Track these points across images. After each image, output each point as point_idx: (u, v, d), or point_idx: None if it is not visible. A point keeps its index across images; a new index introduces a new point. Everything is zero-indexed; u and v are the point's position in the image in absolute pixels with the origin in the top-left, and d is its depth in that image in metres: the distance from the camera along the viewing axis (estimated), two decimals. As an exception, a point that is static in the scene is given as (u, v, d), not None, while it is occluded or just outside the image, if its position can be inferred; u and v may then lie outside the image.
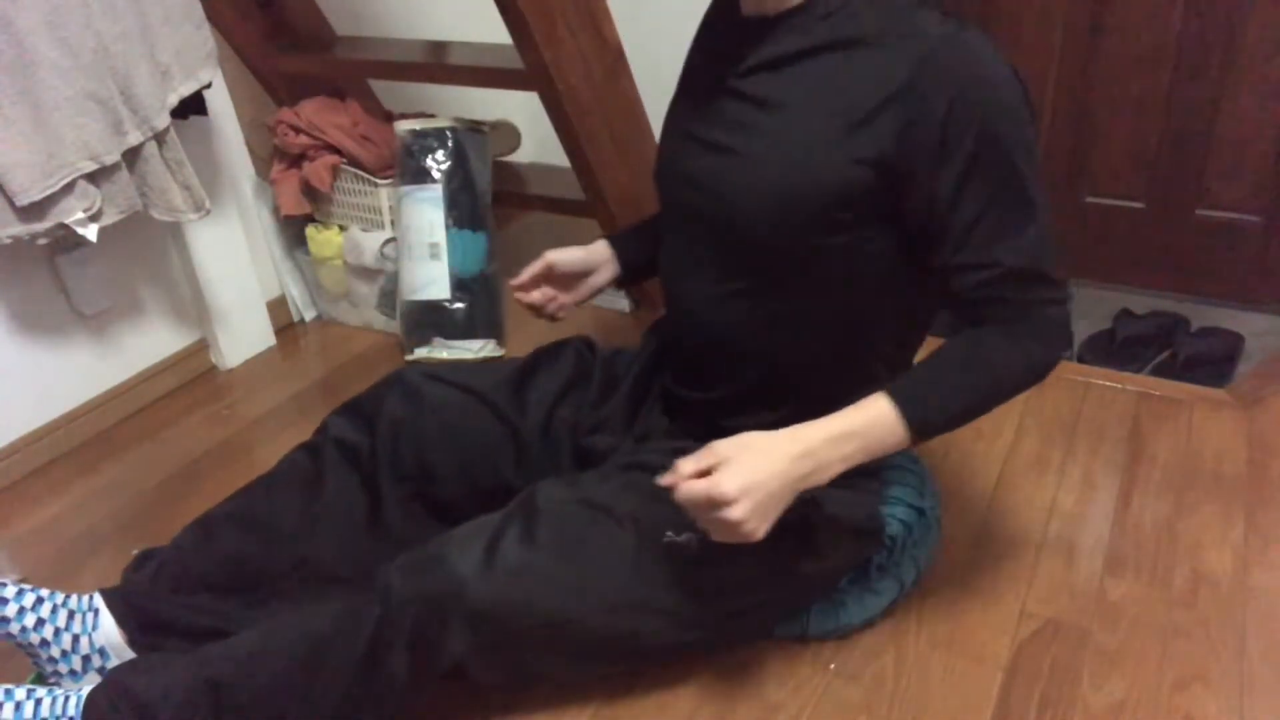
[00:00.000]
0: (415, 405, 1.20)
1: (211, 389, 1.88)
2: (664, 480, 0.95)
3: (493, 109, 2.27)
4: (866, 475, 1.19)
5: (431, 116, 1.90)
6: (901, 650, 1.20)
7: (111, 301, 1.74)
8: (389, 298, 1.96)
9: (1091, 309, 2.07)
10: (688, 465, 0.94)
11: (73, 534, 1.49)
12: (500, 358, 1.89)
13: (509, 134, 2.30)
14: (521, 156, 2.35)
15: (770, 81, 1.02)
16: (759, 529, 0.93)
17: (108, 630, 1.11)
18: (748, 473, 0.92)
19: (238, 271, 1.91)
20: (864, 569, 1.22)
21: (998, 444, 1.57)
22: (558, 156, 1.85)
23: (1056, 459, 1.53)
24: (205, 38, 1.63)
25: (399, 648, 0.98)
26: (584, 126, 1.67)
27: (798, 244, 1.04)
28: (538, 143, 2.34)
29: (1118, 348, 1.91)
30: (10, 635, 1.08)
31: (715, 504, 0.91)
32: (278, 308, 2.06)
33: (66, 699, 0.98)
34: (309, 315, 2.13)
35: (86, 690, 0.98)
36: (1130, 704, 1.11)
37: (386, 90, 2.17)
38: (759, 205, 1.03)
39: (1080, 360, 1.90)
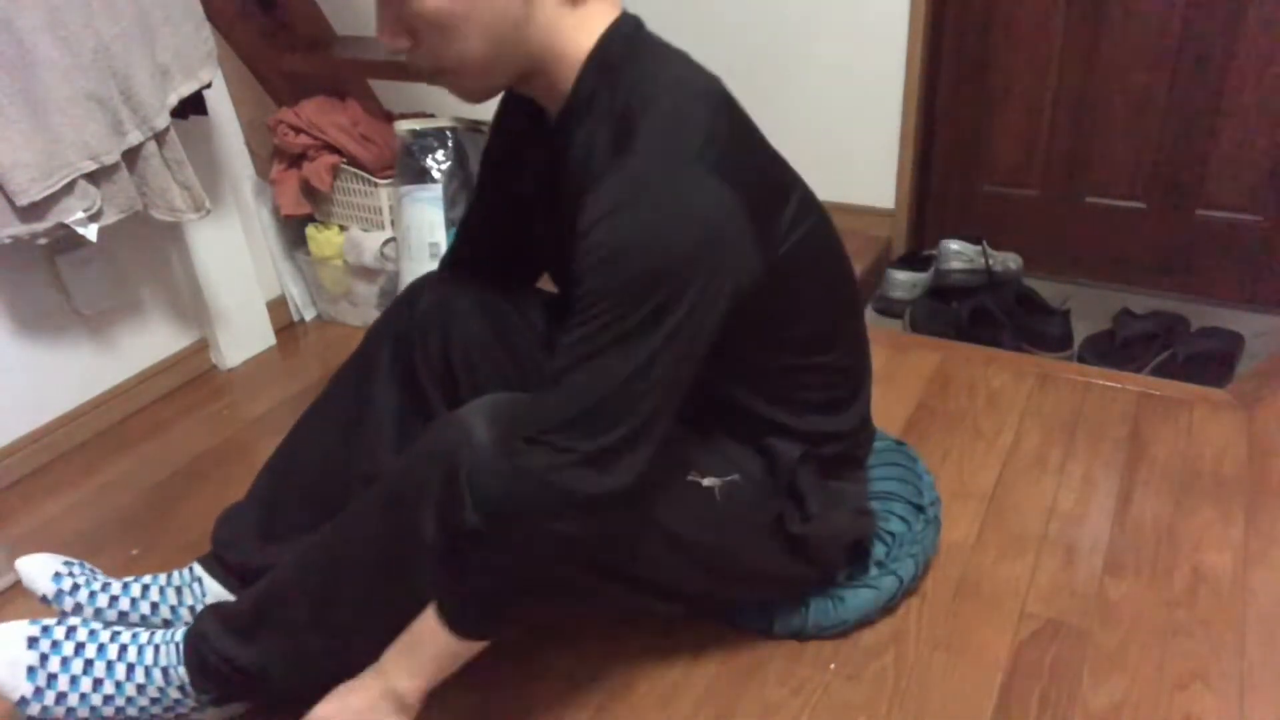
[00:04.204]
0: (441, 291, 1.21)
1: (211, 389, 1.88)
2: None
3: (493, 109, 2.27)
4: (854, 465, 1.19)
5: (431, 116, 1.90)
6: (902, 650, 1.20)
7: (111, 301, 1.74)
8: (389, 298, 1.96)
9: (1091, 309, 2.06)
10: None
11: (73, 534, 1.49)
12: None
13: (509, 134, 2.30)
14: (521, 156, 2.34)
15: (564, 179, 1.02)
16: None
17: (216, 593, 1.21)
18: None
19: (238, 271, 1.91)
20: (863, 565, 1.22)
21: (998, 444, 1.57)
22: (558, 156, 1.84)
23: (1056, 459, 1.53)
24: (205, 38, 1.63)
25: (426, 506, 0.94)
26: (584, 126, 1.66)
27: None
28: (538, 143, 2.34)
29: (1118, 348, 1.91)
30: (135, 625, 1.15)
31: None
32: (278, 308, 2.06)
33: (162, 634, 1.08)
34: (309, 315, 2.13)
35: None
36: (1130, 704, 1.11)
37: (386, 90, 2.17)
38: None
39: (1080, 360, 1.90)
